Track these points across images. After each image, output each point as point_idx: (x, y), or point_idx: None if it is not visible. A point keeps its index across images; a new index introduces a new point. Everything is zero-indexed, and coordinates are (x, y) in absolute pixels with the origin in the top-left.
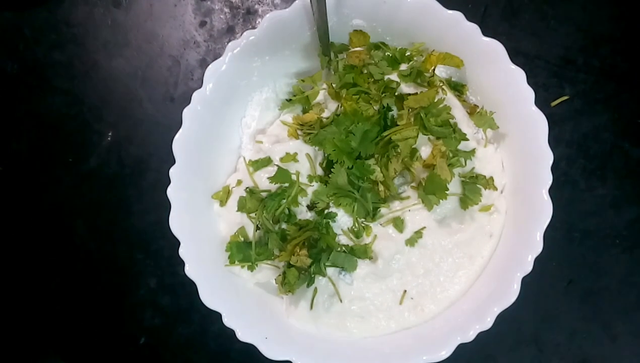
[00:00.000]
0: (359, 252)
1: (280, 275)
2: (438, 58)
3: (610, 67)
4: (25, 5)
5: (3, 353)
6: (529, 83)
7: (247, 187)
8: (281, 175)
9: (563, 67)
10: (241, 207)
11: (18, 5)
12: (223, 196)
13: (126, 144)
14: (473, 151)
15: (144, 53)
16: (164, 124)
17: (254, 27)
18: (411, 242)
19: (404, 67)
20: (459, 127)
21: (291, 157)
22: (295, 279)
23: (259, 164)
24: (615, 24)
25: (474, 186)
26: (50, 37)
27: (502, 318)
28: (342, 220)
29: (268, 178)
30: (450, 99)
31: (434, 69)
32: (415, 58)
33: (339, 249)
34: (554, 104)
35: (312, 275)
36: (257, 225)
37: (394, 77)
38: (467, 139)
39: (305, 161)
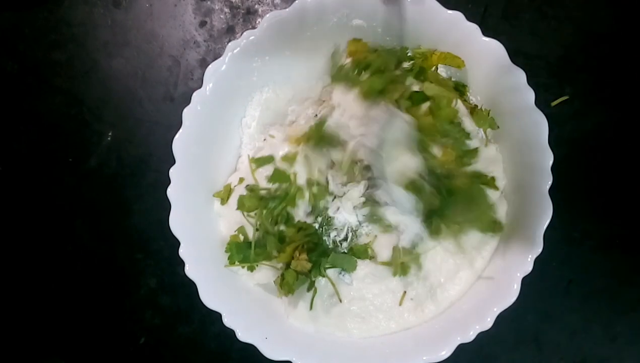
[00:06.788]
0: (359, 252)
1: (278, 277)
2: (439, 58)
3: (610, 67)
4: (25, 5)
5: (3, 353)
6: (529, 83)
7: (247, 185)
8: (279, 175)
9: (563, 67)
10: (241, 205)
11: (18, 5)
12: (224, 194)
13: (126, 143)
14: (477, 150)
15: (144, 53)
16: (164, 124)
17: (254, 27)
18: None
19: (406, 65)
20: (462, 126)
21: (292, 157)
22: (294, 280)
23: (261, 162)
24: (615, 23)
25: (477, 186)
26: (50, 37)
27: (502, 318)
28: (342, 220)
29: (266, 177)
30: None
31: (435, 69)
32: (417, 57)
33: (337, 250)
34: (554, 103)
35: (313, 279)
36: (256, 227)
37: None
38: (471, 139)
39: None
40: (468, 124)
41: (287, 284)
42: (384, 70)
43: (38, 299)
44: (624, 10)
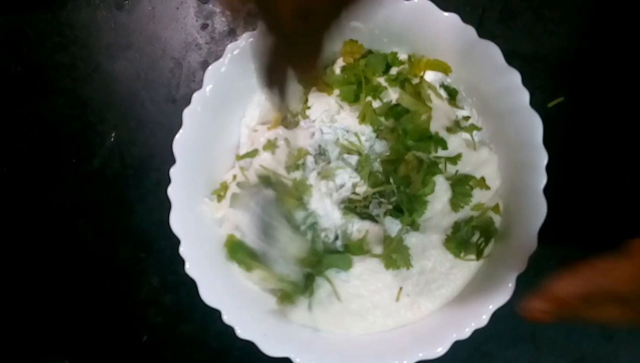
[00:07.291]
0: (354, 249)
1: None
2: (427, 64)
3: (608, 68)
4: (28, 7)
5: (6, 352)
6: (526, 85)
7: (237, 182)
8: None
9: (560, 68)
10: (233, 203)
11: (22, 7)
12: (221, 192)
13: (129, 144)
14: (459, 156)
15: (146, 55)
16: (166, 125)
17: (254, 29)
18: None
19: (393, 71)
20: (440, 135)
21: (272, 144)
22: (294, 292)
23: (246, 157)
24: (612, 25)
25: (463, 188)
26: (54, 39)
27: (499, 316)
28: (325, 214)
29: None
30: (437, 104)
31: (422, 75)
32: (406, 63)
33: (331, 249)
34: (550, 105)
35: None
36: None
37: (382, 80)
38: (447, 148)
39: (285, 149)
40: (452, 128)
41: (289, 298)
42: (371, 76)
43: (41, 299)
44: (621, 12)
